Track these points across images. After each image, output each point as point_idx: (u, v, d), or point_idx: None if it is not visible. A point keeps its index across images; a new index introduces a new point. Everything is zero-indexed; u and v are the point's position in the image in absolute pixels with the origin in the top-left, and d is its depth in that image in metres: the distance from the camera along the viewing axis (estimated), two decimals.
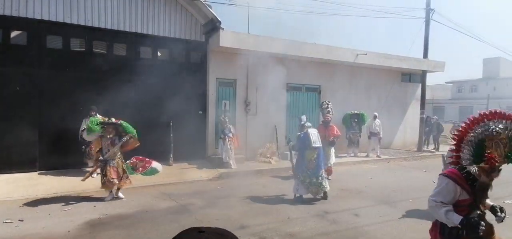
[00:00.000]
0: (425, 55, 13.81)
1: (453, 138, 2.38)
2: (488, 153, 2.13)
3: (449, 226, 2.31)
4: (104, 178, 6.05)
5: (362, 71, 12.50)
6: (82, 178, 6.44)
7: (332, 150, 8.31)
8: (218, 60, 9.83)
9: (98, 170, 6.43)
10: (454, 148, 2.38)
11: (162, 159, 8.88)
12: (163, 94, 9.21)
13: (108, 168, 6.06)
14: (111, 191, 6.19)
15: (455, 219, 2.27)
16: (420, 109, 13.99)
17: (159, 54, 9.67)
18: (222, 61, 9.87)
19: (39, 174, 7.82)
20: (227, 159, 9.03)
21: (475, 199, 2.29)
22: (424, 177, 8.95)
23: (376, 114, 11.85)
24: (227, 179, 8.18)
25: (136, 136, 6.34)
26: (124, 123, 6.28)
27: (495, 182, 2.31)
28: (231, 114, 10.04)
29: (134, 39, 9.00)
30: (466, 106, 35.14)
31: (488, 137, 2.16)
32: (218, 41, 8.92)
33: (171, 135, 9.12)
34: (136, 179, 7.63)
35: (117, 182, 6.11)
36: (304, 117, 7.12)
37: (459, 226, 2.23)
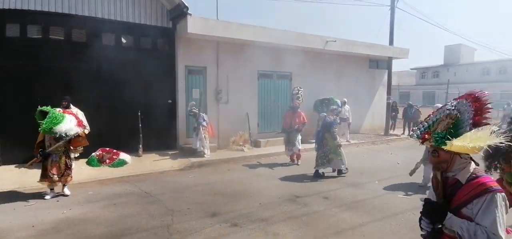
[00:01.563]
0: (391, 42, 14.32)
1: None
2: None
3: None
4: (44, 172, 5.60)
5: (332, 58, 12.74)
6: (27, 165, 5.87)
7: (299, 137, 8.45)
8: (187, 47, 9.57)
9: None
10: None
11: (131, 150, 8.65)
12: (130, 83, 8.85)
13: (49, 162, 5.58)
14: (53, 189, 5.73)
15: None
16: (387, 95, 14.56)
17: (123, 40, 9.23)
18: (191, 48, 9.63)
19: (1, 168, 7.34)
20: (202, 148, 8.92)
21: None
22: (390, 159, 9.40)
23: (346, 99, 12.17)
24: (199, 168, 8.10)
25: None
26: (51, 113, 5.42)
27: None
28: (202, 103, 9.90)
29: (94, 25, 8.47)
30: (428, 91, 37.20)
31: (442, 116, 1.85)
32: (186, 28, 8.65)
33: (140, 125, 8.83)
34: (103, 171, 7.36)
35: (57, 178, 5.61)
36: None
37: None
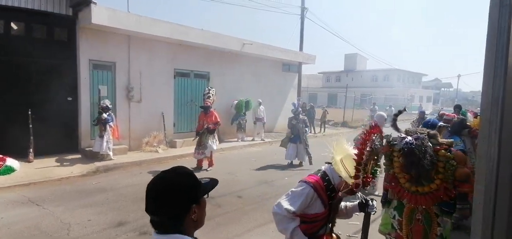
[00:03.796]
0: (301, 48, 15.61)
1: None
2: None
3: None
4: None
5: (248, 60, 13.18)
6: None
7: (212, 139, 7.90)
8: (92, 39, 8.59)
9: None
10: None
11: (20, 155, 7.38)
12: (19, 77, 7.54)
13: None
14: None
15: None
16: (297, 96, 15.82)
17: (14, 27, 7.77)
18: (97, 41, 8.68)
19: None
20: (108, 150, 8.15)
21: (329, 212, 2.16)
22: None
23: (260, 100, 12.77)
24: (105, 173, 7.40)
25: None
26: None
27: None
28: (110, 101, 9.06)
29: None
30: (332, 93, 41.81)
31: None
32: (89, 18, 7.75)
33: (31, 126, 7.56)
34: None
35: None
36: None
37: None
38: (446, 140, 2.92)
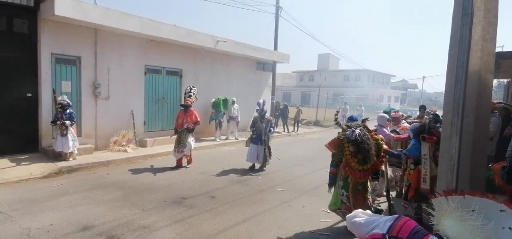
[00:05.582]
0: (275, 47, 15.71)
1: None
2: None
3: None
4: None
5: (222, 58, 13.06)
6: None
7: (191, 137, 7.91)
8: (55, 32, 8.07)
9: None
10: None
11: None
12: None
13: None
14: None
15: None
16: (271, 95, 15.93)
17: None
18: (61, 34, 8.18)
19: None
20: (74, 149, 7.73)
21: None
22: (273, 155, 10.28)
23: (235, 99, 12.70)
24: (69, 175, 6.99)
25: None
26: None
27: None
28: (74, 97, 8.59)
29: None
30: (306, 92, 42.58)
31: None
32: (52, 9, 7.27)
33: None
34: None
35: None
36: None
37: None
38: (373, 128, 4.55)
